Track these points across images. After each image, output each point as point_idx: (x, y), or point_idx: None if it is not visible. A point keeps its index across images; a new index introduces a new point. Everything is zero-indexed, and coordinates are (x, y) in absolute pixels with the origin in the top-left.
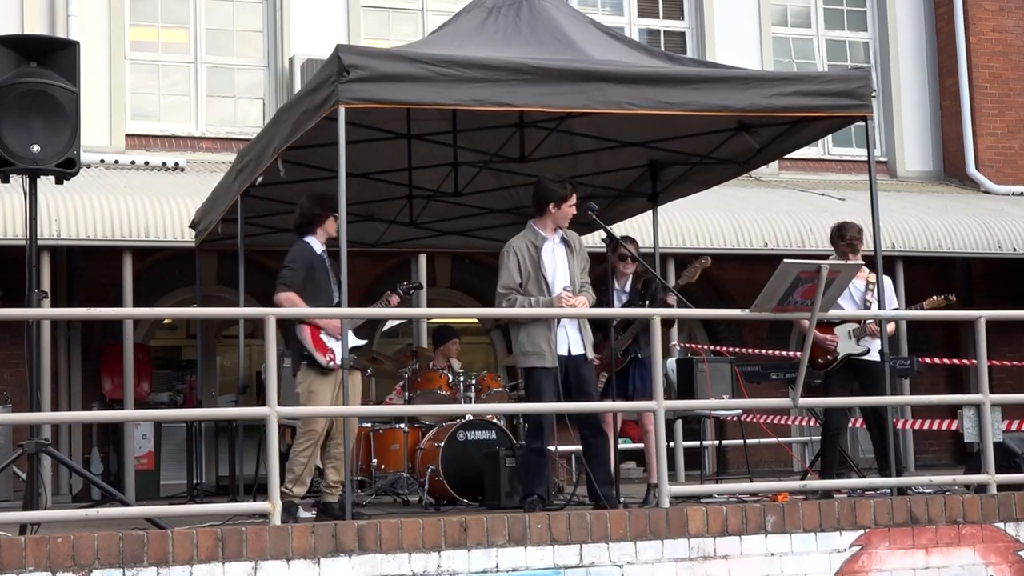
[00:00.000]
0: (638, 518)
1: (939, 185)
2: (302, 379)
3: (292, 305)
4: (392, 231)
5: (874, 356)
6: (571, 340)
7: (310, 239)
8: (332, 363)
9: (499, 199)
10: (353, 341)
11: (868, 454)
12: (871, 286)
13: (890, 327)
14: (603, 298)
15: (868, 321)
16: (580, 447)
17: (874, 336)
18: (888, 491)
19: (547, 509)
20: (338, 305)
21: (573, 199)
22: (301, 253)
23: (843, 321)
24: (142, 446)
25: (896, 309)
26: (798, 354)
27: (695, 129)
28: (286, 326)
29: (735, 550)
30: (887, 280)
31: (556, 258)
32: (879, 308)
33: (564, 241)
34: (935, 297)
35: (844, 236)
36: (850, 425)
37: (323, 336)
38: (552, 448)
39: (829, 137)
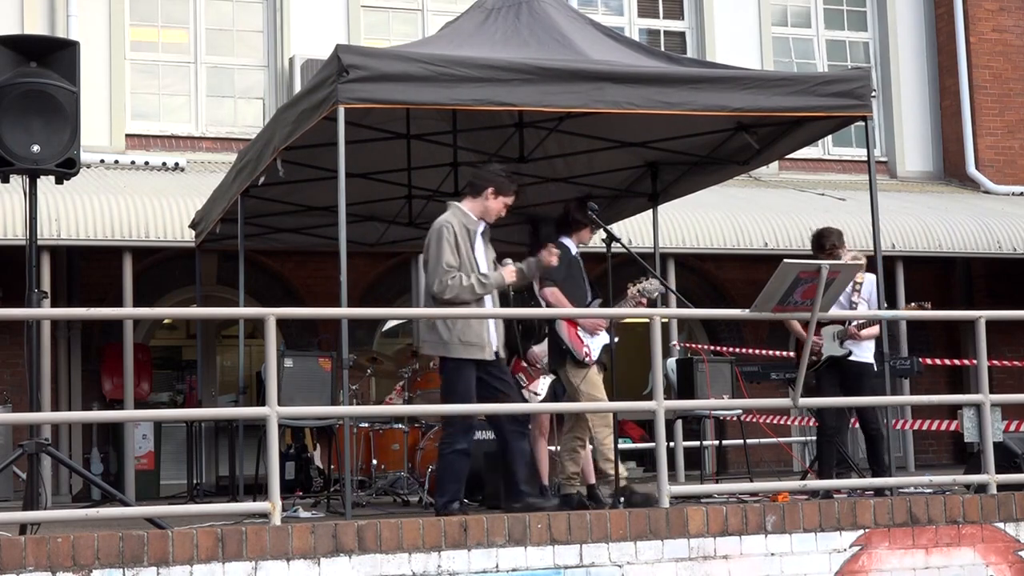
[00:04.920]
0: (638, 518)
1: (939, 185)
2: (572, 375)
3: (558, 300)
4: (392, 231)
5: (860, 357)
6: (493, 336)
7: (566, 239)
8: (588, 358)
9: None
10: (605, 338)
11: (864, 453)
12: (857, 286)
13: (874, 329)
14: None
15: (850, 324)
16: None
17: (856, 339)
18: (888, 491)
19: (547, 509)
20: (590, 304)
21: (510, 200)
22: (566, 251)
23: (831, 322)
24: (142, 446)
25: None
26: (793, 355)
27: (694, 129)
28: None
29: (735, 550)
30: (870, 277)
31: (481, 246)
32: (878, 307)
33: (483, 235)
34: (912, 304)
35: (824, 247)
36: (849, 426)
37: (580, 332)
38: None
39: (829, 137)
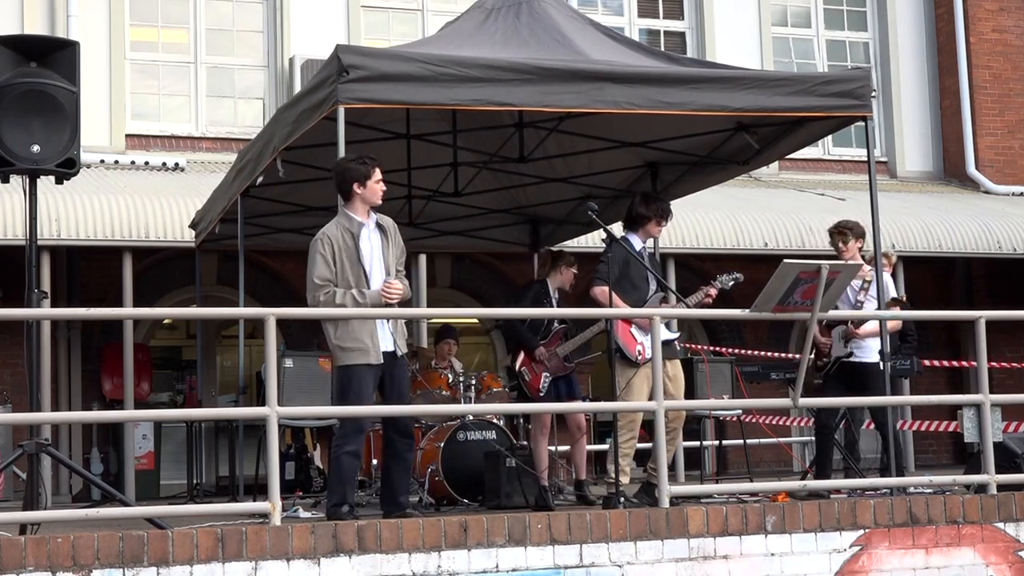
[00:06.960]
0: (638, 518)
1: (939, 185)
2: (619, 375)
3: (605, 299)
4: None
5: (863, 358)
6: (385, 338)
7: (630, 235)
8: (640, 357)
9: (499, 199)
10: (665, 334)
11: (867, 454)
12: (866, 285)
13: (874, 327)
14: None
15: (849, 323)
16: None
17: (856, 338)
18: (888, 491)
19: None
20: (650, 299)
21: (378, 174)
22: (618, 249)
23: (840, 323)
24: (142, 446)
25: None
26: (798, 356)
27: (695, 129)
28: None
29: (735, 550)
30: (887, 277)
31: (372, 245)
32: (879, 307)
33: (379, 227)
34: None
35: (847, 230)
36: (844, 426)
37: (633, 330)
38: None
39: (829, 137)
